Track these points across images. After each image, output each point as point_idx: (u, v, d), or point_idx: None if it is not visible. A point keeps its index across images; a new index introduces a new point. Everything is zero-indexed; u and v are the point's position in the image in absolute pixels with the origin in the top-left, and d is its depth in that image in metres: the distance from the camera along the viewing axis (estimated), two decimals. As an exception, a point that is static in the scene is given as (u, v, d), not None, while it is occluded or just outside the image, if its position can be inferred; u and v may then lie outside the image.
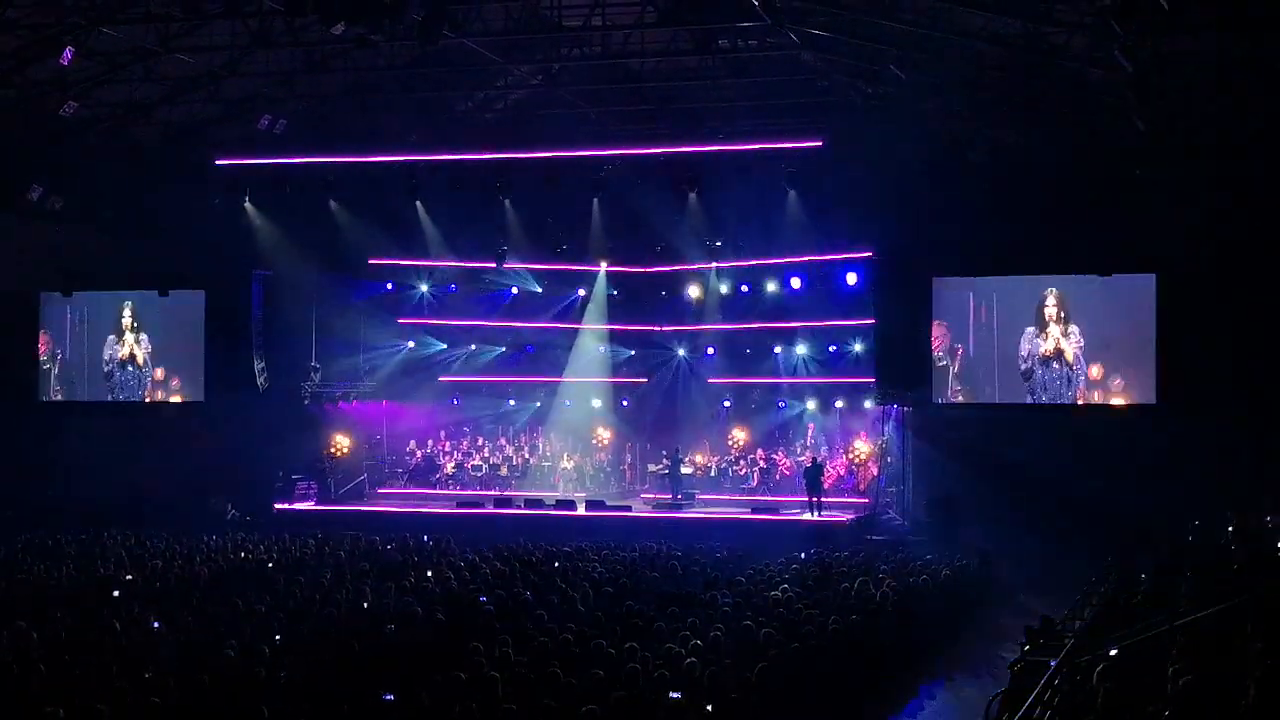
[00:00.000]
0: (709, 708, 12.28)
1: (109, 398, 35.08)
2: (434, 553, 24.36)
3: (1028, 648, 16.23)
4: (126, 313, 35.03)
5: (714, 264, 34.01)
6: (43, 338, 35.42)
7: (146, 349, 34.90)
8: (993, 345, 29.70)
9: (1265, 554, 19.09)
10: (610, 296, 36.01)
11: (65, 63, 23.98)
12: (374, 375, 36.29)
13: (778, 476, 34.45)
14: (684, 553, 23.85)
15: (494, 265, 34.51)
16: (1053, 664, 13.30)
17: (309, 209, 31.78)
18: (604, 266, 35.32)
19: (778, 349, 35.00)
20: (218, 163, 30.72)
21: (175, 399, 34.70)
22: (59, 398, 35.39)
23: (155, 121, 29.91)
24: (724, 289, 34.53)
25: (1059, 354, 29.18)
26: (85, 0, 23.49)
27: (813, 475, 30.46)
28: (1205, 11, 19.98)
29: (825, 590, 19.17)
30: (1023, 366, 29.40)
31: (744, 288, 34.41)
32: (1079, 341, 29.05)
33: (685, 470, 33.48)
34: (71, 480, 32.64)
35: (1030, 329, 29.38)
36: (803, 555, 23.60)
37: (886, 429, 32.44)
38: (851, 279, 32.30)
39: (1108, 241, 28.15)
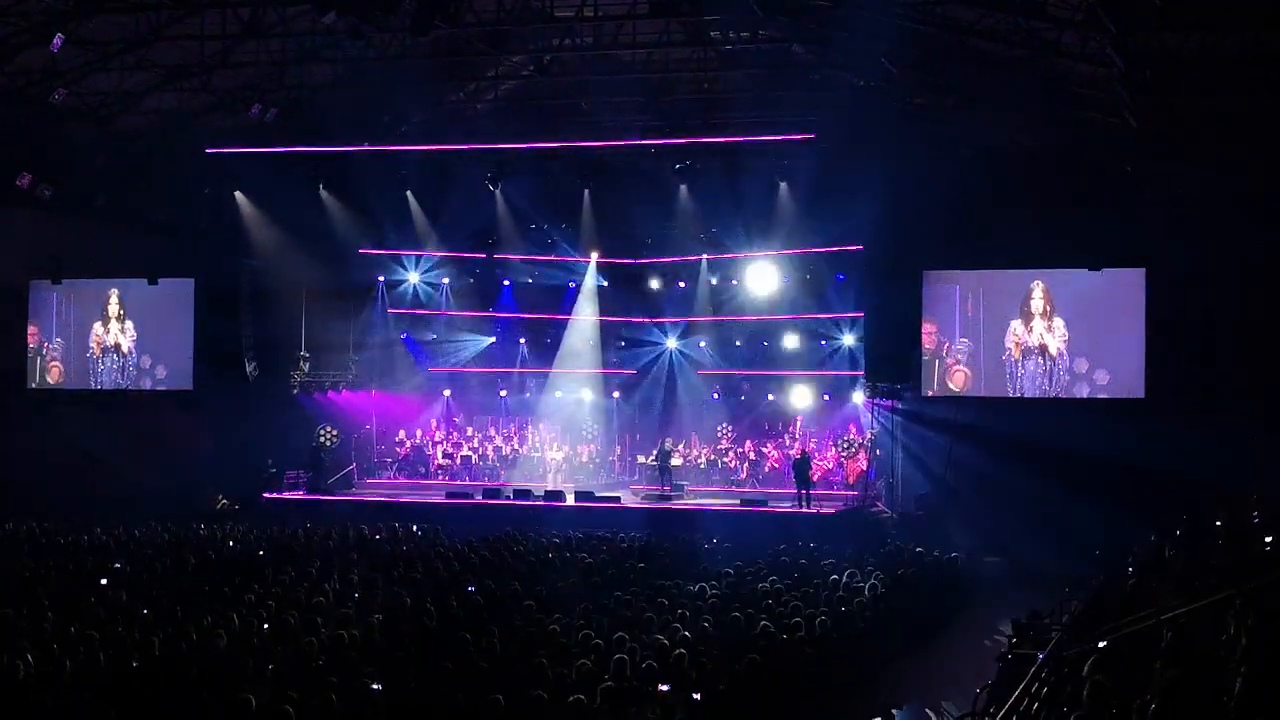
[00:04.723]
0: (696, 697, 12.30)
1: (93, 385, 35.03)
2: (423, 542, 24.37)
3: (1015, 641, 16.28)
4: (113, 300, 34.97)
5: (704, 256, 34.03)
6: (31, 325, 35.34)
7: (132, 337, 34.84)
8: (980, 338, 29.75)
9: (1252, 550, 19.12)
10: (600, 287, 36.03)
11: (55, 50, 23.90)
12: (363, 365, 36.25)
13: (766, 469, 34.54)
14: (672, 544, 23.88)
15: (484, 256, 34.51)
16: (1040, 657, 13.35)
17: (299, 198, 31.74)
18: (595, 258, 35.32)
19: (766, 341, 35.06)
20: (208, 152, 30.64)
21: (163, 388, 34.63)
22: (47, 385, 35.32)
23: (146, 110, 29.84)
24: (714, 281, 34.55)
25: (1043, 347, 29.26)
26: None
27: (801, 468, 30.49)
28: (1196, 7, 20.02)
29: (813, 583, 19.20)
30: (1007, 359, 29.45)
31: (734, 280, 34.45)
32: (1064, 335, 29.12)
33: (675, 462, 33.52)
34: (60, 468, 32.54)
35: (1015, 321, 29.45)
36: (788, 547, 23.62)
37: (875, 422, 32.49)
38: (841, 273, 32.43)
39: (1097, 236, 28.17)
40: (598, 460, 36.76)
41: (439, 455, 36.97)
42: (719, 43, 27.25)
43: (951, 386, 29.82)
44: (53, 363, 35.39)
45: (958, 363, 29.82)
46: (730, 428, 36.20)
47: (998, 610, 21.33)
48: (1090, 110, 25.63)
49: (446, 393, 37.86)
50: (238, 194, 32.20)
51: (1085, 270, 28.95)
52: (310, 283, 34.01)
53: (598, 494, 32.10)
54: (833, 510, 30.15)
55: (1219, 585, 14.87)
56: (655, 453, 33.68)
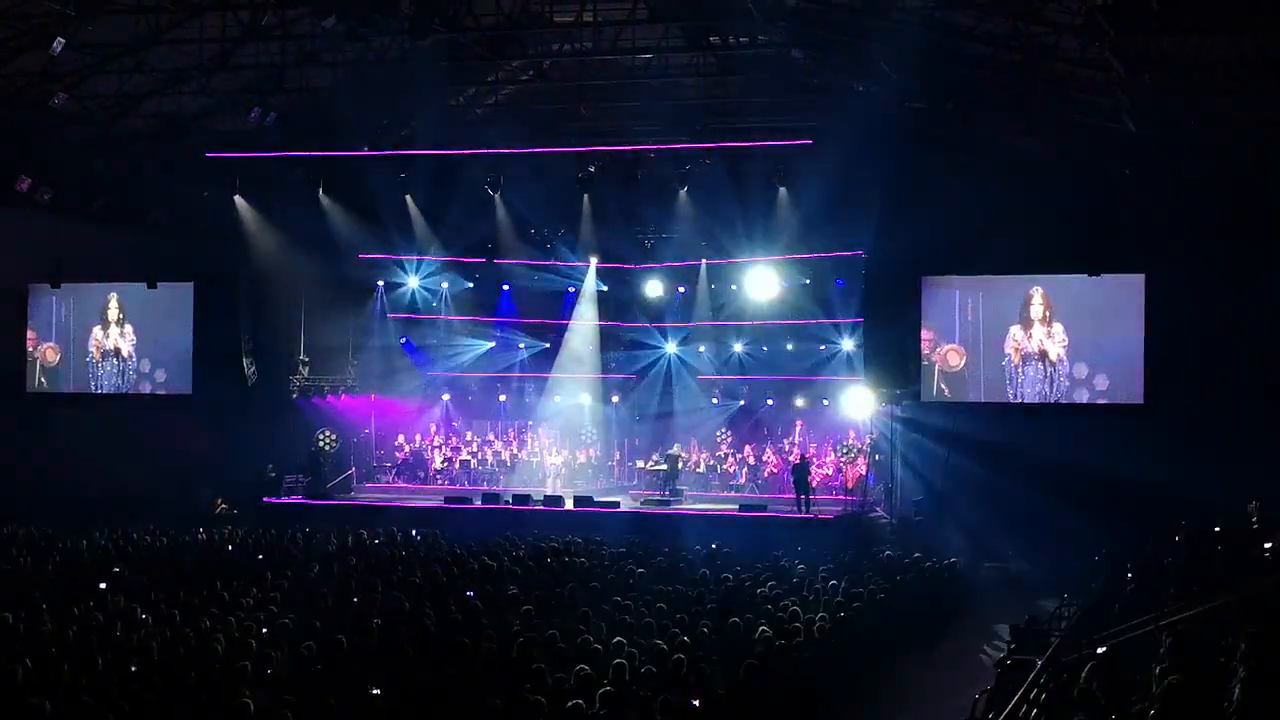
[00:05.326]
0: (695, 703, 12.29)
1: (92, 389, 34.99)
2: (422, 547, 24.36)
3: (1013, 646, 16.29)
4: (112, 305, 34.94)
5: (704, 261, 34.01)
6: (30, 330, 35.28)
7: (131, 341, 34.80)
8: (979, 344, 29.73)
9: (1250, 555, 19.14)
10: (600, 292, 36.03)
11: (55, 53, 23.90)
12: (362, 369, 36.23)
13: (765, 474, 34.51)
14: (671, 549, 23.85)
15: (484, 260, 34.51)
16: (1039, 663, 13.35)
17: (299, 202, 31.74)
18: (594, 262, 35.31)
19: (766, 346, 35.04)
20: (208, 155, 30.64)
21: (162, 392, 34.60)
22: (45, 389, 35.28)
23: (145, 114, 29.85)
24: (714, 286, 34.53)
25: (1043, 353, 29.24)
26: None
27: (800, 473, 30.46)
28: (1194, 10, 20.01)
29: (812, 588, 19.19)
30: (1007, 364, 29.43)
31: (733, 285, 34.44)
32: (1063, 341, 29.10)
33: (679, 466, 33.45)
34: (58, 472, 32.50)
35: (1015, 327, 29.43)
36: (787, 553, 23.61)
37: (874, 427, 32.46)
38: (840, 279, 32.46)
39: (1096, 241, 28.19)
40: (596, 465, 36.74)
41: (438, 460, 36.95)
42: (718, 48, 27.26)
43: (948, 369, 29.74)
44: (50, 366, 35.26)
45: (949, 343, 29.77)
46: (729, 433, 36.21)
47: (996, 616, 21.33)
48: (1089, 115, 25.61)
49: (445, 397, 37.82)
50: (237, 198, 32.17)
51: (1084, 276, 28.93)
52: (310, 287, 33.98)
53: (597, 499, 32.07)
54: (832, 516, 30.11)
55: (1218, 591, 14.89)
56: (663, 457, 33.59)
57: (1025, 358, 29.35)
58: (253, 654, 13.93)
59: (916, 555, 23.88)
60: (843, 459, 33.49)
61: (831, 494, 32.61)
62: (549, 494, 33.12)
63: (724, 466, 35.19)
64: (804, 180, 29.59)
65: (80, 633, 15.49)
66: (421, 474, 36.66)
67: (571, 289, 36.21)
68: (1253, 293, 26.33)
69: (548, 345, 36.76)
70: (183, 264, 33.88)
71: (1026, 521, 26.96)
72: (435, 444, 37.55)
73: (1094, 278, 28.85)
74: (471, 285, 36.44)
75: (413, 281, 35.97)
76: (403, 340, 36.51)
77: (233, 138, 30.29)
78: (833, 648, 15.59)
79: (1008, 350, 29.45)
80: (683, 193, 30.84)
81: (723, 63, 28.11)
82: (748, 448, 35.43)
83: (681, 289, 35.35)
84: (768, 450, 35.30)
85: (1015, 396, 29.43)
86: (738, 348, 35.47)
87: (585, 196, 31.47)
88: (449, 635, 15.11)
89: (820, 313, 33.49)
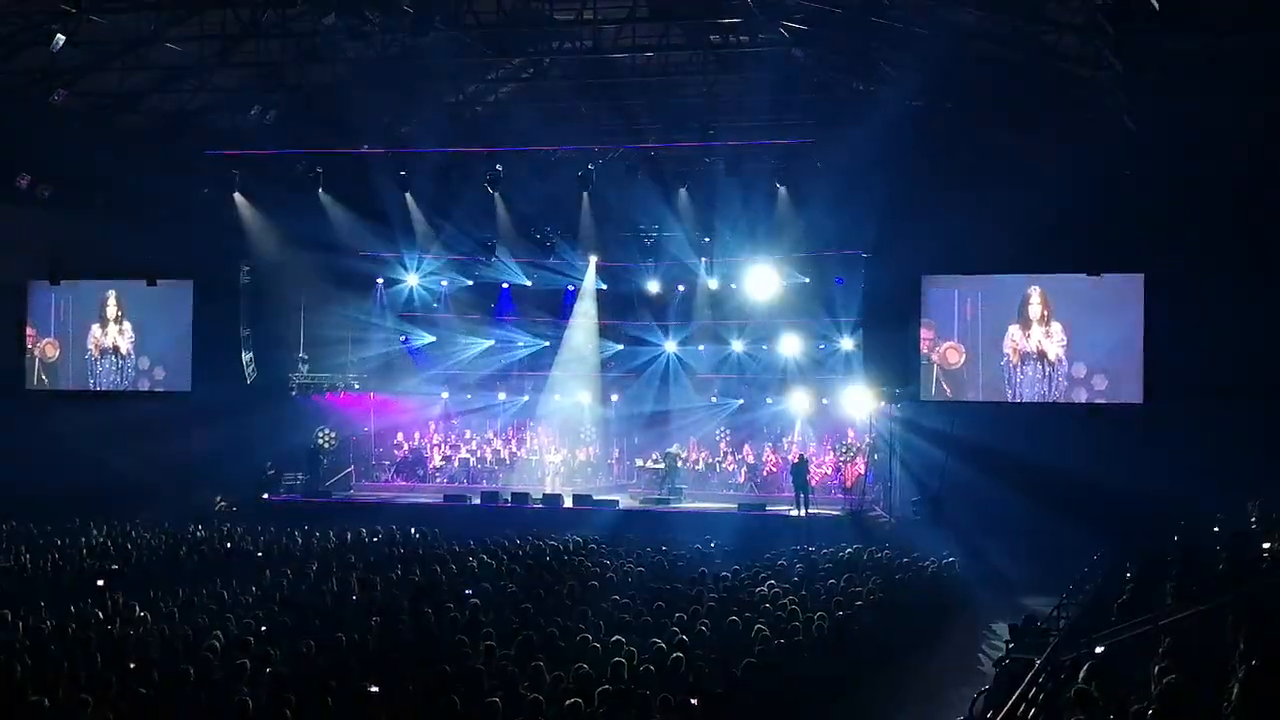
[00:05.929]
0: (693, 702, 12.29)
1: (91, 386, 34.96)
2: (420, 545, 24.36)
3: (1012, 645, 16.27)
4: (111, 302, 34.91)
5: (704, 259, 33.97)
6: (29, 327, 35.25)
7: (130, 338, 34.77)
8: (978, 344, 29.71)
9: (1249, 554, 19.13)
10: (599, 291, 36.01)
11: (56, 50, 23.88)
12: (361, 367, 36.21)
13: (764, 473, 34.49)
14: (670, 548, 23.86)
15: (483, 259, 34.49)
16: (1037, 662, 13.34)
17: (298, 200, 31.69)
18: (593, 261, 35.28)
19: (765, 345, 35.01)
20: (207, 153, 30.62)
21: (161, 389, 34.58)
22: (44, 385, 35.25)
23: (145, 110, 29.83)
24: (714, 285, 34.50)
25: (1041, 353, 29.22)
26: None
27: (799, 472, 30.45)
28: (1194, 8, 20.00)
29: (811, 587, 19.19)
30: (1005, 364, 29.42)
31: (733, 284, 34.40)
32: (1062, 340, 29.09)
33: (677, 465, 33.44)
34: (57, 469, 32.45)
35: (1014, 326, 29.41)
36: (785, 551, 23.61)
37: (873, 426, 32.43)
38: (840, 278, 32.43)
39: (1097, 241, 28.17)
40: (595, 463, 36.72)
41: (436, 458, 36.93)
42: (719, 46, 27.23)
43: (947, 366, 29.71)
44: (47, 342, 35.19)
45: (948, 340, 29.74)
46: (728, 432, 36.18)
47: (995, 615, 21.35)
48: (1089, 113, 25.60)
49: (445, 395, 37.78)
50: (237, 195, 32.14)
51: (1084, 275, 28.93)
52: (309, 284, 33.97)
53: (595, 497, 32.07)
54: (830, 515, 30.12)
55: (1217, 590, 14.89)
56: (662, 456, 33.57)
57: (1024, 357, 29.34)
58: (251, 651, 13.93)
59: (915, 554, 23.88)
60: (842, 458, 33.47)
61: (830, 493, 32.59)
62: (548, 492, 33.15)
63: (723, 465, 35.17)
64: (804, 179, 29.56)
65: (79, 630, 15.48)
66: (420, 472, 36.62)
67: (571, 287, 36.19)
68: (1252, 292, 26.34)
69: (547, 344, 36.71)
70: (182, 261, 33.85)
71: (1025, 520, 26.94)
72: (434, 442, 37.52)
73: (1093, 277, 28.84)
74: (471, 283, 36.43)
75: (412, 279, 35.96)
76: (402, 338, 36.51)
77: (233, 135, 30.26)
78: (831, 647, 15.57)
79: (1006, 350, 29.44)
80: (683, 191, 30.80)
81: (723, 61, 28.08)
82: (746, 447, 35.41)
83: (681, 287, 35.31)
84: (766, 449, 35.27)
85: (1014, 396, 29.41)
86: (737, 346, 35.46)
87: (585, 195, 31.43)
88: (448, 633, 15.11)
89: (820, 312, 33.45)
